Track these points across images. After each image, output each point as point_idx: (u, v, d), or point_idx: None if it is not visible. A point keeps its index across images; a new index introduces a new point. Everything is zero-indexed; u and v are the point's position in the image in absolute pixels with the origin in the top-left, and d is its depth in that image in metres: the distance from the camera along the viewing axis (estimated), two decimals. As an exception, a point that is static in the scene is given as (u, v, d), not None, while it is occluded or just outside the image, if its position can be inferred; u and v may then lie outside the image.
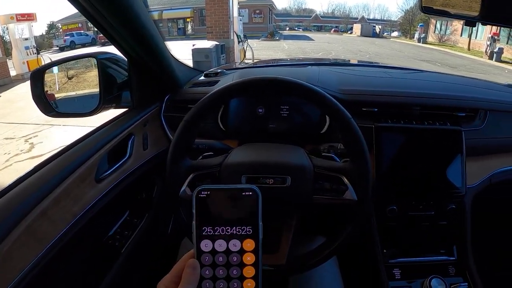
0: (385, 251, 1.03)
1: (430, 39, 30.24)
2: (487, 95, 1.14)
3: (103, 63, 0.98)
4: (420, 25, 30.99)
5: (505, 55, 16.26)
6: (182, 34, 31.36)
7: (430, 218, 1.04)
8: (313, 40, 28.04)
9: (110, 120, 1.00)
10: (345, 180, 0.72)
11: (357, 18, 65.53)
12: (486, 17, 0.77)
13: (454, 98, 1.08)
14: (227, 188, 0.43)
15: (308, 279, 0.89)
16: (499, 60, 15.92)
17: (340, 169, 0.73)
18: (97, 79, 0.97)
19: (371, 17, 73.92)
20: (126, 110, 1.06)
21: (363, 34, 41.42)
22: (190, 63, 7.39)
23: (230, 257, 0.41)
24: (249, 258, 0.41)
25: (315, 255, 0.75)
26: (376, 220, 1.04)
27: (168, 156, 0.74)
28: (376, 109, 1.05)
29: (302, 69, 1.28)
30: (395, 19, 56.92)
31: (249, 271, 0.41)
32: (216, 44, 7.80)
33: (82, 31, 28.94)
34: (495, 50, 16.45)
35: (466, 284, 0.96)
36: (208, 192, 0.41)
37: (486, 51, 17.57)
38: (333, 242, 0.74)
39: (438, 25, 29.22)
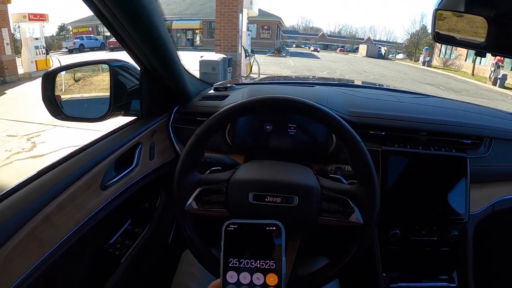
0: (384, 274, 1.03)
1: (434, 62, 30.66)
2: (493, 123, 1.15)
3: (116, 70, 0.97)
4: (426, 49, 31.53)
5: (509, 81, 16.37)
6: (190, 45, 31.76)
7: (432, 244, 1.04)
8: (318, 58, 28.41)
9: (118, 128, 0.99)
10: (352, 202, 0.72)
11: (363, 39, 66.65)
12: (491, 46, 0.73)
13: (461, 125, 1.07)
14: (253, 223, 0.44)
15: None
16: (502, 86, 16.02)
17: (347, 192, 0.73)
18: (104, 84, 0.98)
19: (377, 39, 75.22)
20: (135, 119, 1.06)
21: (369, 54, 42.07)
22: (197, 73, 7.48)
23: None
24: None
25: (318, 276, 0.74)
26: (378, 243, 1.04)
27: (177, 168, 0.74)
28: (383, 133, 1.05)
29: (311, 88, 1.27)
30: (401, 42, 57.97)
31: None
32: (223, 57, 7.85)
33: (92, 35, 29.44)
34: (499, 76, 16.57)
35: None
36: (236, 226, 0.44)
37: (490, 77, 17.71)
38: (337, 263, 0.73)
39: (443, 49, 29.63)
